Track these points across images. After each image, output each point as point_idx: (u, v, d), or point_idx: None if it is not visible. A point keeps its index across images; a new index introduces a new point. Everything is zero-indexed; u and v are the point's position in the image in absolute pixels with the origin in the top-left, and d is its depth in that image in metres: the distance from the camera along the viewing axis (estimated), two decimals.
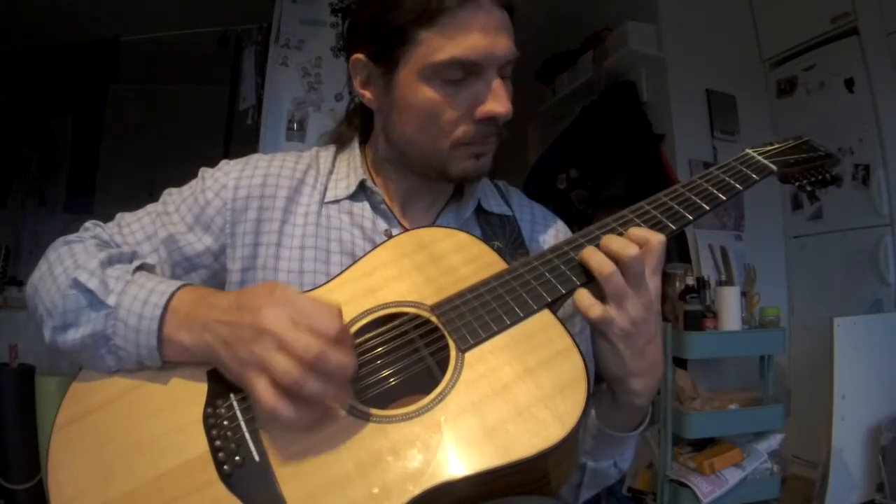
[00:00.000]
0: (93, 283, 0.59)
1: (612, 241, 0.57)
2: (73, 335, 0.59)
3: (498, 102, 0.65)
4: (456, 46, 0.62)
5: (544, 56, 3.04)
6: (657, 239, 0.58)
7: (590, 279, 0.59)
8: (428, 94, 0.65)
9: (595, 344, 0.59)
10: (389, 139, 0.73)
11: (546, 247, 0.76)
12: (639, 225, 0.61)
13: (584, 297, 0.57)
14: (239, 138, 2.78)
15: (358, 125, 0.81)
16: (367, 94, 0.72)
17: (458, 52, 0.62)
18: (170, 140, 3.61)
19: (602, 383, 0.64)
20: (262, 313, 0.51)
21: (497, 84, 0.65)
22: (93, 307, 0.59)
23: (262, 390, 0.49)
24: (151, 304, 0.58)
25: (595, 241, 0.61)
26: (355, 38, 0.71)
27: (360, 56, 0.69)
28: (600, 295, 0.57)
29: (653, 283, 0.57)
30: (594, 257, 0.57)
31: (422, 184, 0.75)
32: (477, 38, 0.63)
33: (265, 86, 2.38)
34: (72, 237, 0.68)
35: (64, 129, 3.05)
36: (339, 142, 0.81)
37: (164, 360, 0.58)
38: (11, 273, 3.01)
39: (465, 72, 0.64)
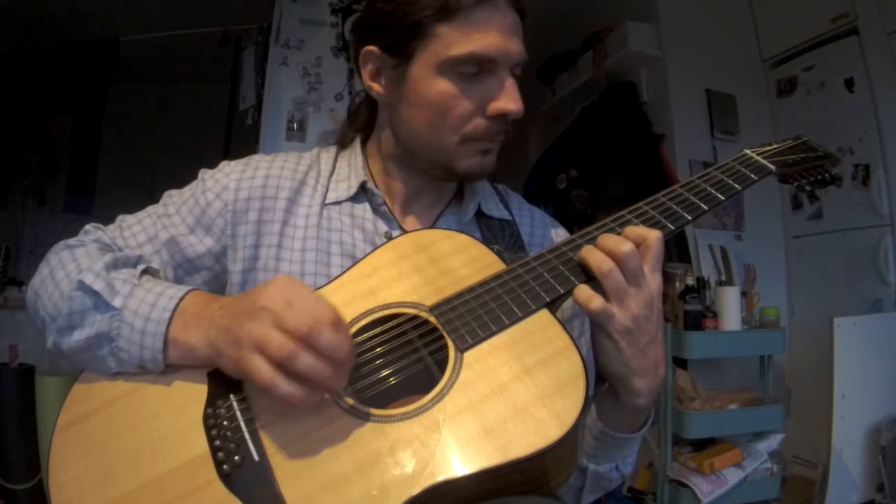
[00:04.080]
0: (98, 285, 0.59)
1: (608, 240, 0.58)
2: (77, 336, 0.59)
3: (511, 100, 0.67)
4: (474, 42, 0.64)
5: (544, 56, 3.04)
6: (654, 236, 0.58)
7: (588, 279, 0.59)
8: (443, 87, 0.66)
9: (596, 341, 0.59)
10: (396, 134, 0.73)
11: None
12: (636, 224, 0.61)
13: (583, 290, 0.57)
14: (239, 138, 2.78)
15: (360, 124, 0.81)
16: (376, 86, 0.72)
17: (476, 48, 0.64)
18: (170, 140, 3.61)
19: (604, 384, 0.64)
20: (261, 293, 0.52)
21: (510, 83, 0.67)
22: (98, 309, 0.59)
23: (259, 366, 0.49)
24: (160, 308, 0.58)
25: (593, 242, 0.61)
26: (368, 30, 0.71)
27: (372, 48, 0.70)
28: (600, 293, 0.57)
29: (653, 280, 0.57)
30: (593, 255, 0.57)
31: (424, 184, 0.75)
32: (494, 36, 0.65)
33: (265, 86, 2.38)
34: (72, 241, 0.68)
35: (64, 129, 3.05)
36: (341, 142, 0.81)
37: (167, 364, 0.58)
38: (11, 273, 3.01)
39: (480, 68, 0.66)
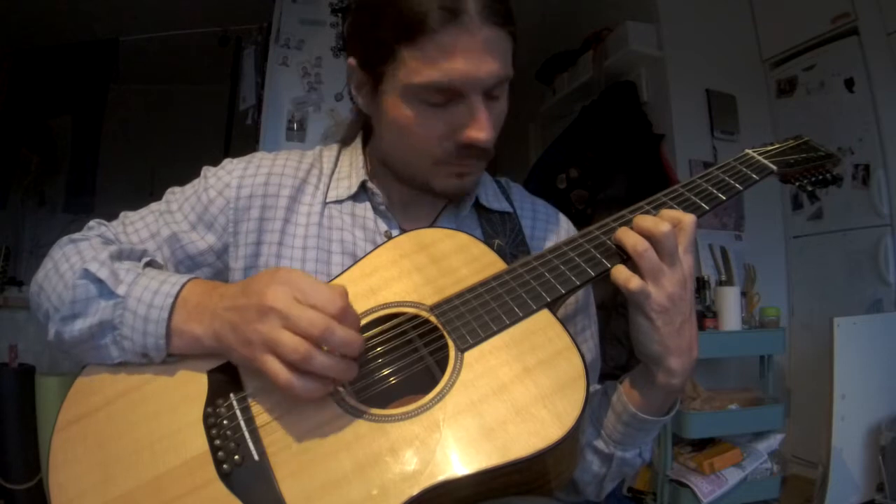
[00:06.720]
0: (103, 273, 0.60)
1: (645, 220, 0.59)
2: (81, 325, 0.59)
3: (479, 129, 0.63)
4: (435, 70, 0.60)
5: (544, 56, 3.04)
6: (689, 219, 0.59)
7: (592, 279, 0.59)
8: (407, 113, 0.64)
9: (634, 322, 0.60)
10: (378, 147, 0.74)
11: (547, 243, 0.76)
12: (671, 208, 0.63)
13: (621, 270, 0.58)
14: (239, 138, 2.78)
15: (363, 122, 0.80)
16: (360, 98, 0.71)
17: (437, 77, 0.60)
18: (170, 140, 3.61)
19: (622, 375, 0.65)
20: (265, 293, 0.52)
21: (480, 109, 0.63)
22: (102, 296, 0.59)
23: (275, 368, 0.50)
24: (162, 294, 0.58)
25: (594, 242, 0.62)
26: (349, 42, 0.71)
27: (352, 61, 0.69)
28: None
29: (686, 261, 0.59)
30: (628, 236, 0.59)
31: (414, 190, 0.75)
32: (459, 62, 0.60)
33: (265, 86, 2.38)
34: (76, 235, 0.68)
35: (64, 129, 3.05)
36: (345, 139, 0.80)
37: (169, 353, 0.58)
38: (11, 273, 3.01)
39: (446, 95, 0.62)
